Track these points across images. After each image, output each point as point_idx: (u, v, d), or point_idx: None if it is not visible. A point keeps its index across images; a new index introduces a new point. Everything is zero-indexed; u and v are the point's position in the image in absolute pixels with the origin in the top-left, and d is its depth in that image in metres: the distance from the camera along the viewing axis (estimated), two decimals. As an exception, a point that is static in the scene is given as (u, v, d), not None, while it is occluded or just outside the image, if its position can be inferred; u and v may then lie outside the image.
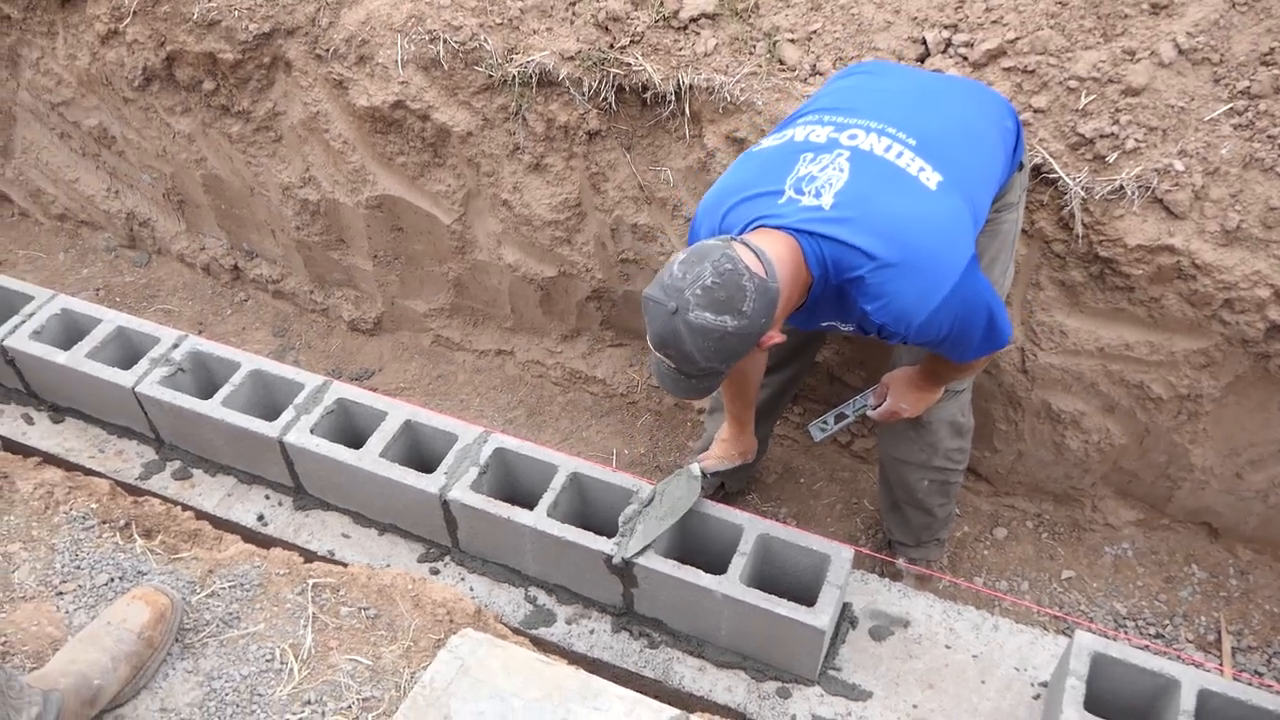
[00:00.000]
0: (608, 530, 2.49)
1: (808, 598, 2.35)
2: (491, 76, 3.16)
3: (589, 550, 2.47)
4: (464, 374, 3.85)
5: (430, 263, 3.71)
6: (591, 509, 2.71)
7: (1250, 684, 2.48)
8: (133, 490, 2.95)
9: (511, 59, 3.13)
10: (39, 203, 4.52)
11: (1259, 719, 2.09)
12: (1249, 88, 2.45)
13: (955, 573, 3.06)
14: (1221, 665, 2.78)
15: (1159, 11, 2.58)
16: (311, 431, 2.79)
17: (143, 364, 3.01)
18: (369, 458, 2.71)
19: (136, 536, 2.44)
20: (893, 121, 2.10)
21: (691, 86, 2.95)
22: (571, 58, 3.06)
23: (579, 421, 3.64)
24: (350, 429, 2.93)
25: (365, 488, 2.76)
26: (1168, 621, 2.92)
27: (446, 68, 3.20)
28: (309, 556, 2.75)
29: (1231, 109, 2.46)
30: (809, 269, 1.97)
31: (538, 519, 2.52)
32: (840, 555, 2.42)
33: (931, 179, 2.02)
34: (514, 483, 2.80)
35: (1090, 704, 2.11)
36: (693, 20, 3.01)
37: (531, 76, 3.11)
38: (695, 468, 2.55)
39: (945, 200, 2.02)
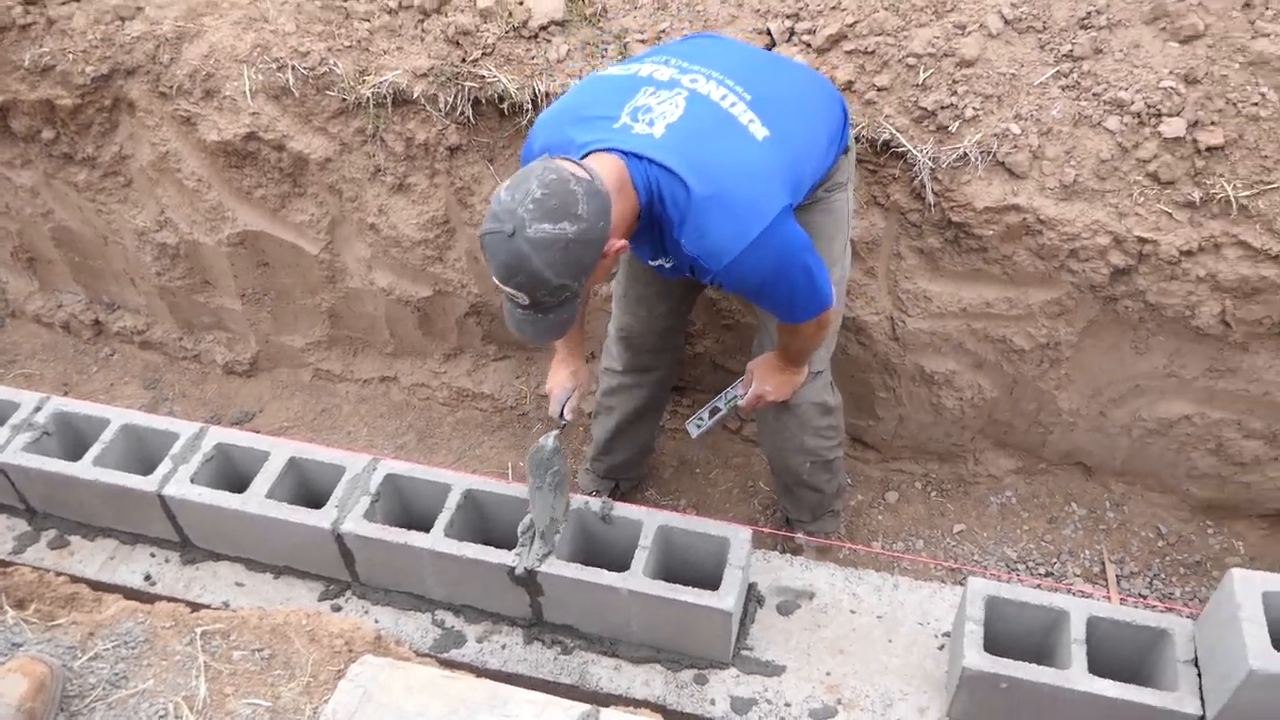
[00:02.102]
0: (509, 544, 2.48)
1: (713, 583, 2.38)
2: (345, 100, 3.12)
3: (491, 565, 2.46)
4: (349, 405, 3.79)
5: (302, 295, 3.63)
6: (490, 524, 2.70)
7: (1135, 606, 2.63)
8: (4, 564, 2.80)
9: (364, 81, 3.10)
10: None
11: (1142, 635, 2.21)
12: (1071, 51, 2.60)
13: (853, 540, 3.15)
14: (1109, 593, 2.93)
15: (983, -15, 2.71)
16: (192, 481, 2.70)
17: (3, 432, 2.86)
18: (255, 500, 2.64)
19: (7, 607, 2.32)
20: (733, 76, 2.18)
21: (548, 94, 2.97)
22: (424, 75, 3.04)
23: (471, 440, 3.62)
24: (233, 474, 2.84)
25: (254, 532, 2.69)
26: (1055, 560, 3.06)
27: (298, 95, 3.15)
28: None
29: (1058, 72, 2.60)
30: (636, 190, 2.02)
31: (435, 540, 2.50)
32: (739, 537, 2.46)
33: (759, 132, 2.11)
34: (409, 508, 2.77)
35: (989, 645, 2.20)
36: (543, 29, 3.04)
37: (386, 97, 3.08)
38: (549, 438, 2.50)
39: (768, 152, 2.10)
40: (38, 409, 2.93)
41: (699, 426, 2.83)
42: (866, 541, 3.16)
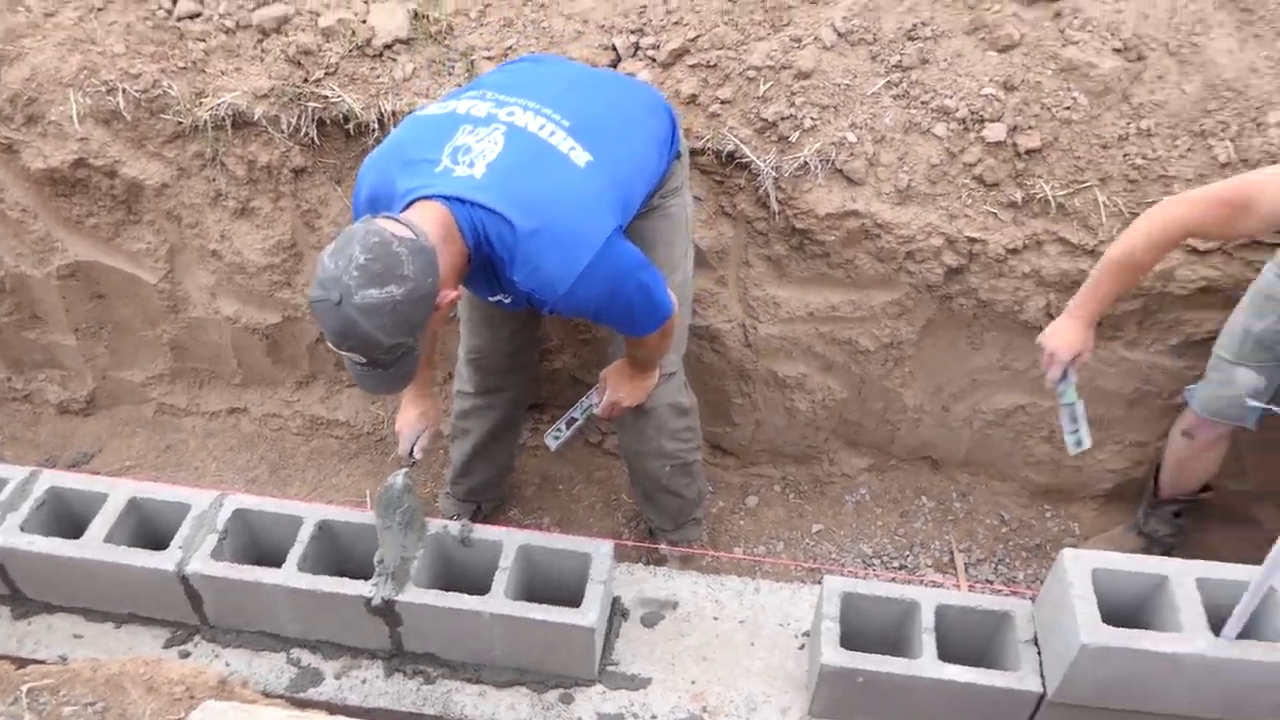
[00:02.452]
0: (367, 574, 2.41)
1: (578, 600, 2.37)
2: (181, 123, 3.01)
3: (347, 597, 2.39)
4: (195, 440, 3.63)
5: (141, 327, 3.48)
6: (347, 555, 2.62)
7: (983, 592, 2.74)
8: None
9: (201, 103, 3.00)
10: None
11: (987, 619, 2.30)
12: (900, 61, 2.71)
13: (715, 546, 3.19)
14: (958, 581, 3.04)
15: (817, 1, 2.80)
16: (22, 529, 2.54)
17: None
18: (92, 545, 2.49)
19: None
20: (551, 104, 2.19)
21: (394, 113, 2.93)
22: (265, 96, 2.97)
23: (326, 469, 3.52)
24: (69, 519, 2.68)
25: (93, 579, 2.54)
26: (909, 552, 3.16)
27: (130, 119, 3.02)
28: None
29: (889, 82, 2.71)
30: (463, 235, 2.01)
31: (287, 575, 2.41)
32: (600, 551, 2.46)
33: (581, 158, 2.13)
34: (260, 543, 2.66)
35: (848, 641, 2.25)
36: (387, 47, 3.00)
37: (225, 119, 2.99)
38: (398, 476, 2.47)
39: (591, 178, 2.13)
40: None
41: (557, 439, 2.83)
42: (729, 547, 3.20)
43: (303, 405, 3.59)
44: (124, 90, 2.99)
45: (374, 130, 2.94)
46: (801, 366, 3.07)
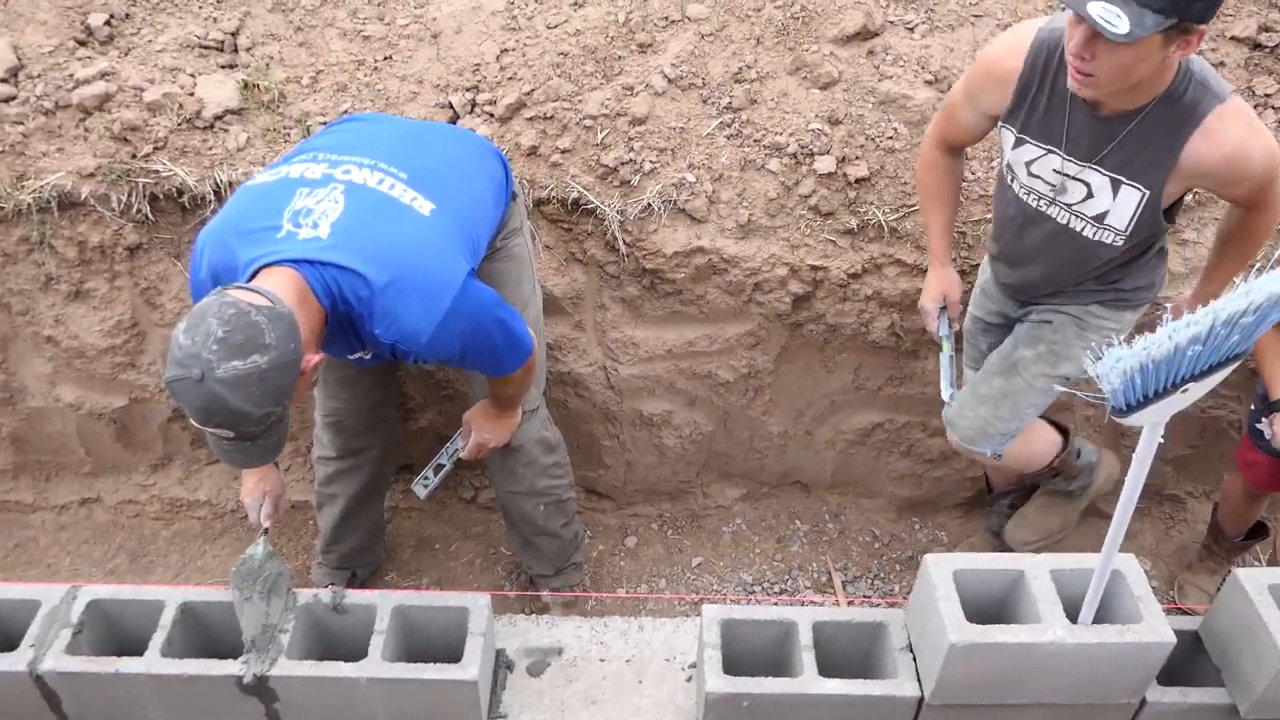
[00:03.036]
0: (238, 653, 2.32)
1: (459, 656, 2.33)
2: (2, 209, 2.89)
3: (217, 678, 2.29)
4: (46, 535, 3.44)
5: (-25, 424, 3.29)
6: (215, 636, 2.51)
7: (858, 606, 2.81)
8: None
9: (22, 186, 2.88)
10: None
11: (863, 631, 2.37)
12: (730, 103, 2.82)
13: (598, 589, 3.19)
14: (837, 599, 3.12)
15: (645, 50, 2.90)
16: None
17: None
18: (-66, 655, 2.34)
19: None
20: (385, 158, 2.21)
21: (231, 183, 2.89)
22: (92, 174, 2.88)
23: (190, 552, 3.38)
24: (-94, 630, 2.51)
25: (-65, 692, 2.38)
26: (788, 576, 3.23)
27: (-56, 208, 2.88)
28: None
29: (721, 122, 2.82)
30: (317, 298, 2.00)
31: (150, 662, 2.30)
32: (477, 604, 2.43)
33: (424, 207, 2.15)
34: (121, 634, 2.53)
35: (731, 667, 2.27)
36: (218, 118, 2.95)
37: (50, 201, 2.88)
38: (256, 547, 2.40)
39: (438, 225, 2.15)
40: None
41: (426, 486, 2.80)
42: (610, 589, 3.21)
43: (160, 488, 3.45)
44: (-63, 179, 2.86)
45: (210, 202, 2.88)
46: (666, 404, 3.13)
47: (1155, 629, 2.05)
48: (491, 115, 2.89)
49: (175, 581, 3.27)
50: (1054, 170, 2.22)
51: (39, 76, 2.95)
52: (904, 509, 3.37)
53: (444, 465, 2.76)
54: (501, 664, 2.58)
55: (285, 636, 2.33)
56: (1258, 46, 3.03)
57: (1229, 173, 2.09)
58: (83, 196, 2.87)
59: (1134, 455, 1.69)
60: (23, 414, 3.26)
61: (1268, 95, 2.98)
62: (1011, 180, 2.32)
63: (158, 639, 2.35)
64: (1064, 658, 2.10)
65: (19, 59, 2.97)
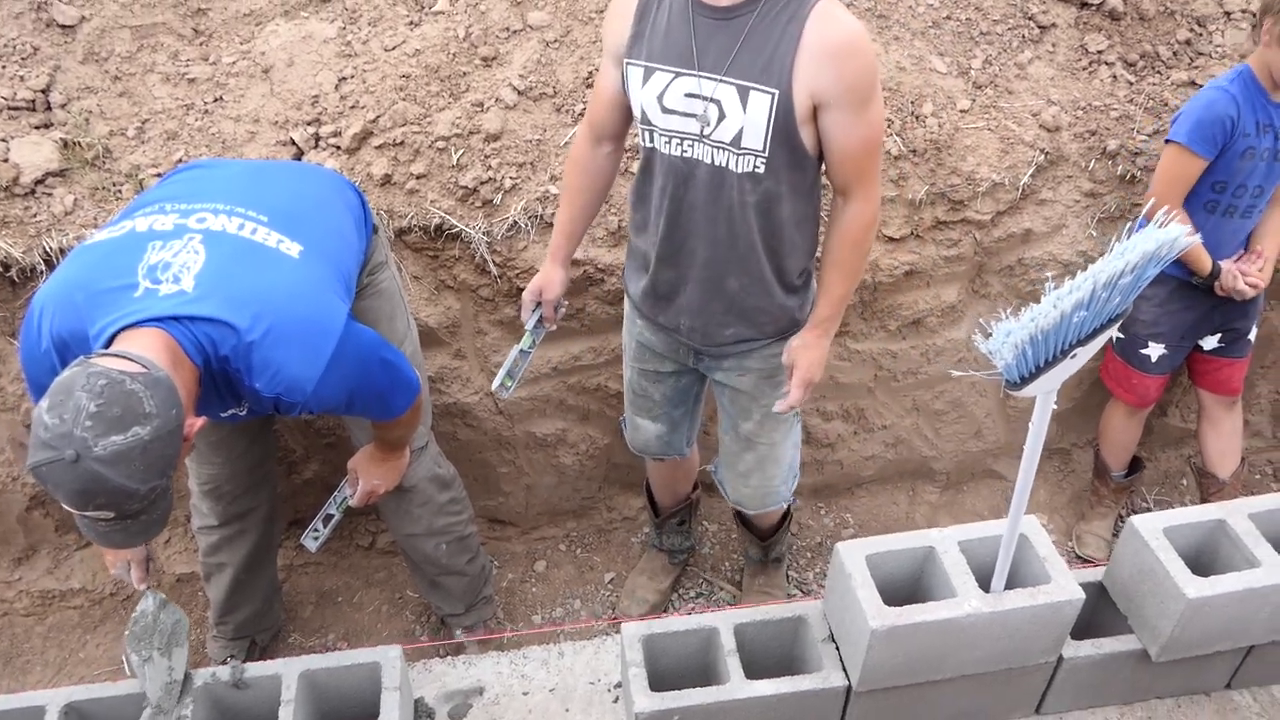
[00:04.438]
0: (134, 750, 2.16)
1: (375, 713, 2.22)
2: None
3: (115, 781, 2.13)
4: (-95, 648, 3.17)
5: None
6: (109, 733, 2.35)
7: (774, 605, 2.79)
8: None
9: None
10: None
11: (784, 628, 2.35)
12: (584, 110, 2.75)
13: (512, 619, 3.10)
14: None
15: (490, 64, 2.81)
16: None
17: None
18: None
19: None
20: (240, 201, 2.08)
21: (62, 249, 2.69)
22: (-100, 257, 2.64)
23: (70, 645, 3.15)
24: None
25: None
26: (702, 579, 3.20)
27: None
28: None
29: (577, 131, 2.74)
30: (189, 357, 1.85)
31: (38, 777, 2.13)
32: (389, 656, 2.32)
33: (292, 249, 2.03)
34: (3, 748, 2.34)
35: (658, 682, 2.23)
36: (38, 183, 2.75)
37: None
38: (147, 600, 2.24)
39: (309, 267, 2.03)
40: None
41: (316, 539, 2.67)
42: (526, 617, 3.12)
43: (27, 582, 3.20)
44: None
45: (41, 273, 2.68)
46: (559, 422, 3.05)
47: (1064, 588, 2.08)
48: (338, 148, 2.77)
49: (56, 680, 3.05)
50: (687, 95, 2.03)
51: None
52: (808, 496, 3.37)
53: (333, 515, 2.64)
54: (422, 713, 2.47)
55: (180, 701, 2.19)
56: (1085, 5, 3.13)
57: (846, 64, 1.93)
58: (-103, 281, 2.64)
59: (1030, 425, 1.70)
60: None
61: (1099, 52, 3.08)
62: (651, 139, 2.12)
63: (42, 750, 2.18)
64: (982, 628, 2.12)
65: None
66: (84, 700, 2.28)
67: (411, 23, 2.89)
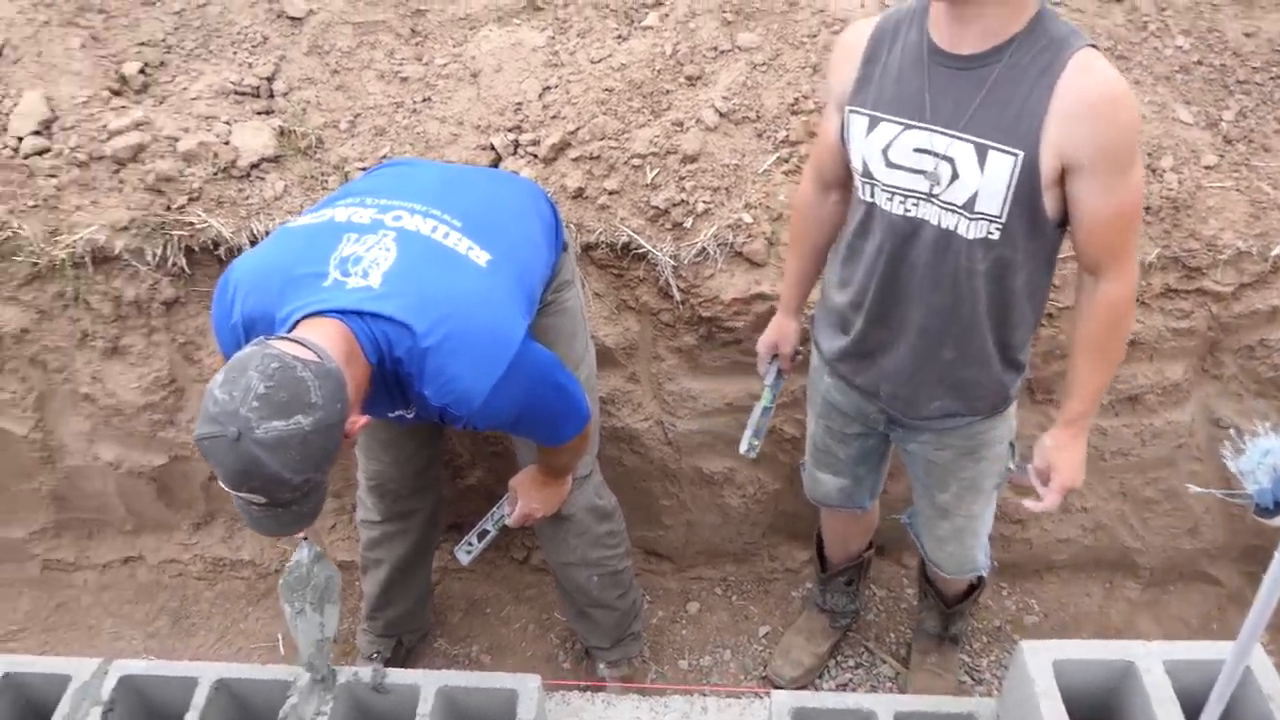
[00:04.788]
0: (276, 731, 2.17)
1: (507, 743, 2.15)
2: (37, 264, 2.80)
3: (248, 766, 2.14)
4: (88, 595, 3.34)
5: (15, 481, 3.20)
6: (251, 715, 2.37)
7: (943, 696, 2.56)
8: None
9: (56, 241, 2.79)
10: None
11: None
12: (787, 136, 2.61)
13: (658, 661, 2.98)
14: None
15: (694, 83, 2.71)
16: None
17: None
18: (-44, 737, 2.22)
19: None
20: (437, 204, 2.04)
21: (268, 232, 2.76)
22: (125, 228, 2.77)
23: (234, 614, 3.25)
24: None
25: (-43, 778, 2.26)
26: (863, 648, 2.98)
27: (-22, 264, 2.80)
28: None
29: (778, 158, 2.61)
30: (364, 353, 1.82)
31: (179, 747, 2.16)
32: (527, 687, 2.24)
33: (480, 257, 1.98)
34: (154, 711, 2.39)
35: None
36: (254, 166, 2.84)
37: (84, 256, 2.78)
38: (302, 550, 2.21)
39: (495, 277, 1.97)
40: None
41: (469, 552, 2.64)
42: (672, 660, 2.99)
43: (202, 547, 3.33)
44: (-31, 235, 2.78)
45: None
46: (728, 461, 2.91)
47: (1293, 738, 1.78)
48: (535, 156, 2.73)
49: (216, 646, 3.14)
50: (916, 150, 1.83)
51: (72, 128, 2.86)
52: (992, 574, 3.09)
53: (489, 531, 2.60)
54: (551, 750, 2.39)
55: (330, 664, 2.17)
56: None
57: (1106, 125, 1.69)
58: (117, 250, 2.77)
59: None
60: (62, 473, 3.17)
61: None
62: (871, 193, 1.93)
63: (190, 719, 2.21)
64: (1184, 768, 1.85)
65: (52, 110, 2.88)
66: (234, 678, 2.31)
67: (620, 36, 2.82)
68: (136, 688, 2.35)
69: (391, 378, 1.90)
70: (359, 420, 1.78)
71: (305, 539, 2.14)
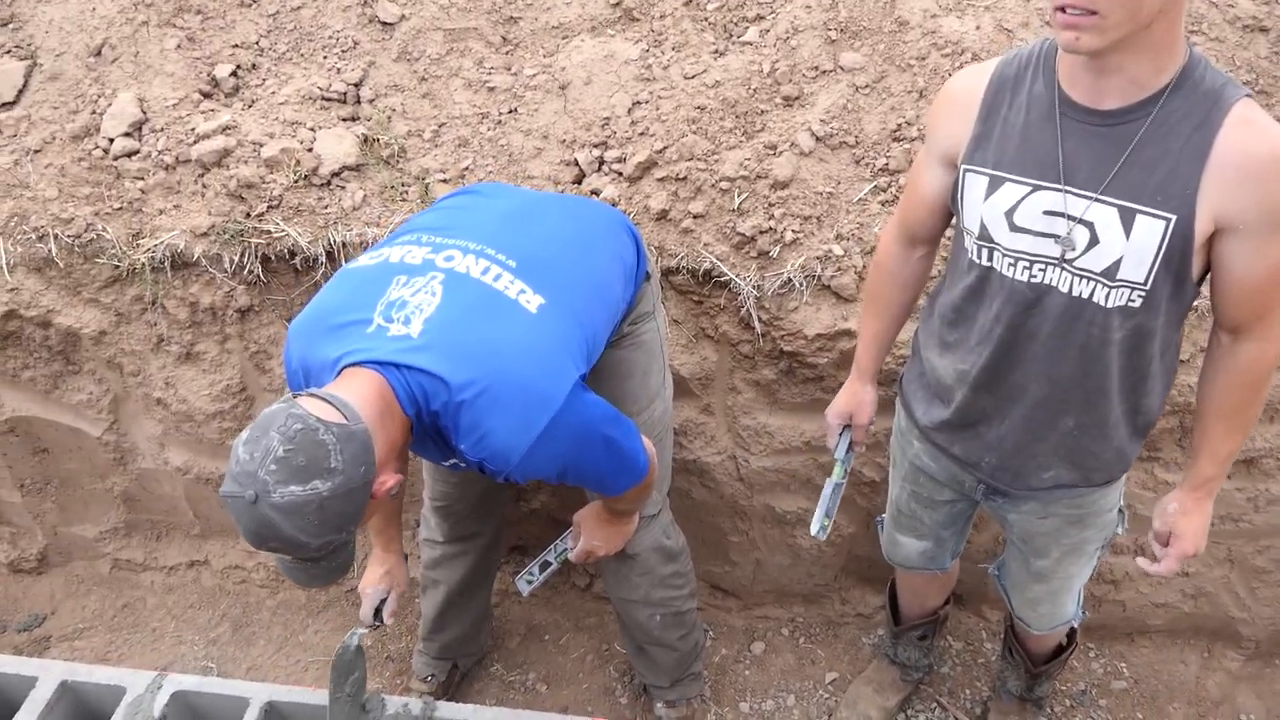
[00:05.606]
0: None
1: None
2: (118, 267, 2.80)
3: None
4: (154, 597, 3.35)
5: (89, 481, 3.22)
6: (299, 739, 2.33)
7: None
8: None
9: (138, 245, 2.79)
10: None
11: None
12: (887, 164, 2.48)
13: (719, 703, 2.86)
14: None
15: (791, 104, 2.59)
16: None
17: None
18: (15, 743, 2.21)
19: None
20: (493, 242, 1.95)
21: (344, 244, 2.72)
22: (205, 234, 2.76)
23: (293, 625, 3.22)
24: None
25: (14, 783, 2.25)
26: (935, 704, 2.82)
27: (63, 265, 2.81)
28: None
29: (875, 187, 2.48)
30: (402, 406, 1.75)
31: (223, 773, 2.12)
32: (581, 732, 2.16)
33: (532, 301, 1.88)
34: (205, 728, 2.37)
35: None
36: (335, 175, 2.80)
37: (163, 261, 2.77)
38: (353, 636, 2.19)
39: (546, 325, 1.87)
40: None
41: (529, 583, 2.58)
42: (733, 702, 2.87)
43: (265, 556, 3.31)
44: (56, 236, 2.79)
45: (323, 264, 2.73)
46: (802, 501, 2.78)
47: None
48: (620, 174, 2.64)
49: (275, 658, 3.11)
50: (1046, 213, 1.67)
51: (162, 130, 2.86)
52: (1079, 633, 2.91)
53: (550, 564, 2.52)
54: (604, 797, 2.30)
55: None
56: None
57: (1272, 184, 1.52)
58: (195, 256, 2.76)
59: None
60: (133, 474, 3.17)
61: None
62: (988, 257, 1.77)
63: (237, 742, 2.17)
64: None
65: (143, 112, 2.89)
66: (285, 701, 2.27)
67: (717, 51, 2.71)
68: (189, 704, 2.33)
69: (432, 430, 1.83)
70: (389, 480, 1.70)
71: (363, 630, 2.15)
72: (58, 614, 3.35)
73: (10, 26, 3.04)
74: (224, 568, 3.34)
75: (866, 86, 2.58)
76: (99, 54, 2.98)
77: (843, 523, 2.81)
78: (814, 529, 2.35)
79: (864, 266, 2.44)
